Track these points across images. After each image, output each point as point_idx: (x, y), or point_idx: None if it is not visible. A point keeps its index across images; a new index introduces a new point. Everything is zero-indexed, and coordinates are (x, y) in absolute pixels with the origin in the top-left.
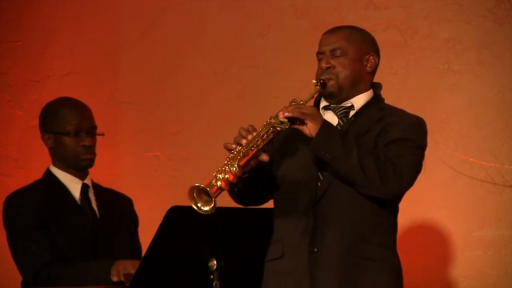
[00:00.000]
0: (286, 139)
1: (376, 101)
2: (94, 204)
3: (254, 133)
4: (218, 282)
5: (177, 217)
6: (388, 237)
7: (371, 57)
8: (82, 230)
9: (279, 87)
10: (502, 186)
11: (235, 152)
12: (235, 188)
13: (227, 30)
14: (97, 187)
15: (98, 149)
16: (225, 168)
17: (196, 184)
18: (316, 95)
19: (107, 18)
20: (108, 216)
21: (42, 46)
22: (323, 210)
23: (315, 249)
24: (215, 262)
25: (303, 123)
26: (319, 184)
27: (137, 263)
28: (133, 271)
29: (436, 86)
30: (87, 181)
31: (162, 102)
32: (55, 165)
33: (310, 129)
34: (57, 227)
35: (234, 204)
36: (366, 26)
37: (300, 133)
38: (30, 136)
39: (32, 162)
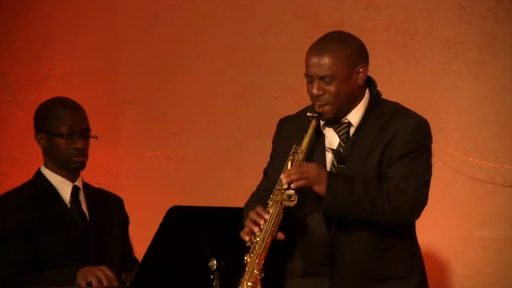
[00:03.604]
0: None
1: (373, 108)
2: (84, 207)
3: (266, 216)
4: (218, 282)
5: (177, 217)
6: (409, 247)
7: (361, 69)
8: (71, 233)
9: (279, 87)
10: (502, 186)
11: (253, 254)
12: None
13: (227, 30)
14: (87, 188)
15: (99, 149)
16: (245, 279)
17: None
18: (313, 128)
19: (107, 18)
20: (99, 218)
21: (42, 46)
22: (339, 241)
23: (336, 279)
24: (215, 262)
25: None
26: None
27: (104, 268)
28: (101, 276)
29: (436, 86)
30: (78, 183)
31: (162, 102)
32: (46, 165)
33: (317, 191)
34: (44, 231)
35: (234, 204)
36: (366, 26)
37: None
38: (30, 136)
39: (32, 162)
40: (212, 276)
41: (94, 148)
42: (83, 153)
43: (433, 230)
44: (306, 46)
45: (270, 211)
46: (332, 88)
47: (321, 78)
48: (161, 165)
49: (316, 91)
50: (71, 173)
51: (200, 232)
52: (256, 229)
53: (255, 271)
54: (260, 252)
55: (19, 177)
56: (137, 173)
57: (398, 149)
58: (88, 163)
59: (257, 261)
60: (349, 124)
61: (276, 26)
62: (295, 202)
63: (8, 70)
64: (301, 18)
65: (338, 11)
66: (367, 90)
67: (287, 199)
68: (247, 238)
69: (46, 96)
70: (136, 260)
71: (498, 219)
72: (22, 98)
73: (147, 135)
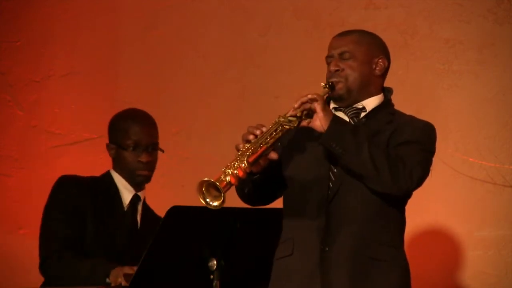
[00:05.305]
0: (295, 139)
1: (387, 106)
2: (139, 217)
3: (264, 129)
4: (218, 282)
5: (177, 217)
6: (396, 237)
7: (380, 60)
8: (119, 233)
9: (279, 87)
10: (502, 186)
11: (244, 149)
12: (246, 189)
13: (227, 30)
14: (147, 210)
15: (99, 149)
16: (234, 163)
17: (206, 178)
18: (325, 98)
19: (107, 18)
20: (149, 232)
21: (42, 46)
22: (334, 210)
23: (327, 249)
24: (215, 262)
25: (311, 117)
26: (330, 185)
27: (136, 268)
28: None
29: (436, 86)
30: (141, 194)
31: (162, 102)
32: (115, 169)
33: (321, 120)
34: (94, 221)
35: (235, 204)
36: (366, 26)
37: (309, 132)
38: (30, 136)
39: (32, 162)
40: (212, 276)
41: (94, 148)
42: (148, 166)
43: (433, 230)
44: (306, 46)
45: (269, 126)
46: (349, 64)
47: (340, 54)
48: (161, 165)
49: (333, 67)
50: (136, 185)
51: (200, 232)
52: (251, 137)
53: (245, 161)
54: (252, 151)
55: (19, 177)
56: None
57: (406, 135)
58: (87, 163)
59: (248, 153)
60: (362, 109)
61: (276, 26)
62: (295, 125)
63: (8, 70)
64: (301, 18)
65: (338, 11)
66: (382, 94)
67: (287, 121)
68: (240, 146)
69: (46, 96)
70: None
71: (498, 219)
72: (22, 98)
73: None
